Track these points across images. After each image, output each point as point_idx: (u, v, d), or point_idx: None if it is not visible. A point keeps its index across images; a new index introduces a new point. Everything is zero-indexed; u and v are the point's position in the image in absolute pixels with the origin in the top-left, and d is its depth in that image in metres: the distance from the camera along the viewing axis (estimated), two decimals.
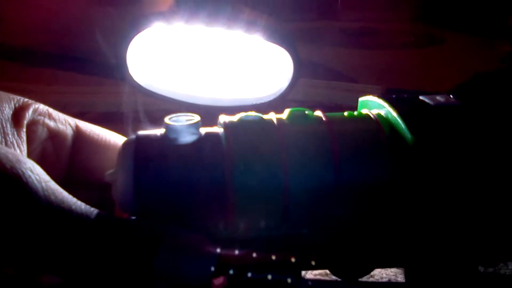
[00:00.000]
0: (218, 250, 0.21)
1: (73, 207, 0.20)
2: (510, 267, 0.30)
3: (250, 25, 0.40)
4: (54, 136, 0.26)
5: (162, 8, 0.39)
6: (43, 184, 0.20)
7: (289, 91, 0.47)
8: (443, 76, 0.74)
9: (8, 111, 0.23)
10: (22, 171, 0.19)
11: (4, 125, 0.23)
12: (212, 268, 0.22)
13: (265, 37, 0.41)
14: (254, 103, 0.51)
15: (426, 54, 0.91)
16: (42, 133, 0.25)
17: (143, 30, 0.37)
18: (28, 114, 0.24)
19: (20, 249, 0.19)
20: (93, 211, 0.20)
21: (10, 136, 0.23)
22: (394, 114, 0.24)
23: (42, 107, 0.25)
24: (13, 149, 0.22)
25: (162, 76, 0.50)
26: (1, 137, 0.22)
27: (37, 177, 0.19)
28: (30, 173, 0.19)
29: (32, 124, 0.25)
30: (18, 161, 0.19)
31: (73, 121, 0.27)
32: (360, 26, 1.02)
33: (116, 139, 0.27)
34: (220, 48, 0.48)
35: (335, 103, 0.58)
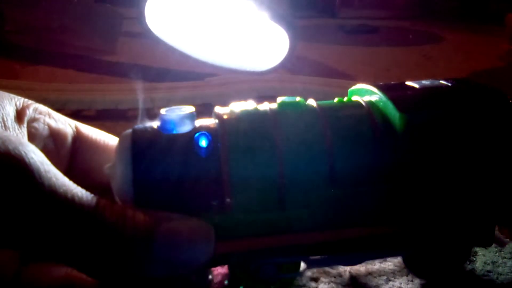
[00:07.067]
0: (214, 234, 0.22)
1: (74, 191, 0.20)
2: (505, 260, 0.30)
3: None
4: (55, 134, 0.25)
5: None
6: (45, 167, 0.19)
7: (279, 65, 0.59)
8: (441, 73, 0.74)
9: (9, 107, 0.23)
10: (24, 153, 0.19)
11: (5, 119, 0.23)
12: (210, 252, 0.22)
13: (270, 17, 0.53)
14: (254, 70, 0.62)
15: (424, 51, 0.91)
16: (43, 130, 0.25)
17: None
18: (29, 112, 0.24)
19: (23, 231, 0.19)
20: (93, 196, 0.20)
21: (11, 129, 0.23)
22: (384, 98, 0.24)
23: (42, 106, 0.25)
24: None
25: (175, 32, 0.62)
26: (2, 129, 0.22)
27: (40, 159, 0.19)
28: (32, 155, 0.19)
29: (34, 121, 0.24)
30: (21, 143, 0.19)
31: (72, 122, 0.27)
32: (358, 23, 1.02)
33: (114, 141, 0.27)
34: (226, 18, 0.59)
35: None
